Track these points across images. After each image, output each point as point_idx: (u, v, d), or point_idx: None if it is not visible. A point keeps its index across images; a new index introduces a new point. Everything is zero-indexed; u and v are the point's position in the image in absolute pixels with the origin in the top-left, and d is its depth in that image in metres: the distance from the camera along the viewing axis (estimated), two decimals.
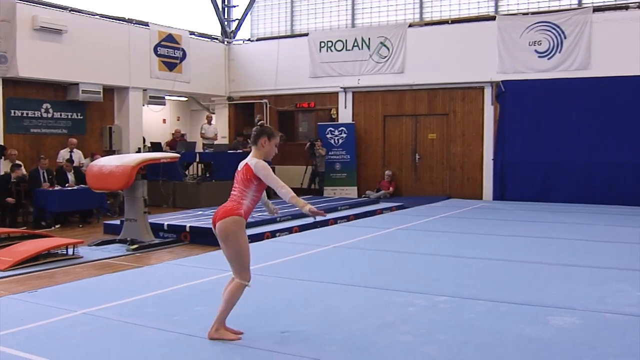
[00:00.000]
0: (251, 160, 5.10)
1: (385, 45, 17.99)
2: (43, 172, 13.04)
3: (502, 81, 16.47)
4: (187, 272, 7.90)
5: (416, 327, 5.42)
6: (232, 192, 5.15)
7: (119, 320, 5.65)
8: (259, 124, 5.41)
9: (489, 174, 16.94)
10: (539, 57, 16.06)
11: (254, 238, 10.28)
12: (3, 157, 13.76)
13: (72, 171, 13.69)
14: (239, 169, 5.16)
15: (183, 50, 18.62)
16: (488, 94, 16.85)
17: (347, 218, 13.14)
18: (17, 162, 13.33)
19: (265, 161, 5.13)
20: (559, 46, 15.81)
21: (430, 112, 17.78)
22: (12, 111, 14.79)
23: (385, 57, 18.00)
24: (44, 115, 15.56)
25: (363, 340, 5.08)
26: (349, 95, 18.66)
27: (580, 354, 4.74)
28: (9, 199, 12.36)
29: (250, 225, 11.04)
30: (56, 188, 12.93)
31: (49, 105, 15.66)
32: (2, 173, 13.31)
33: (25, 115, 15.11)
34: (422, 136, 18.00)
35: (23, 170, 13.04)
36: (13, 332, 5.32)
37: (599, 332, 5.25)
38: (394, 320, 5.64)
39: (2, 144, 14.06)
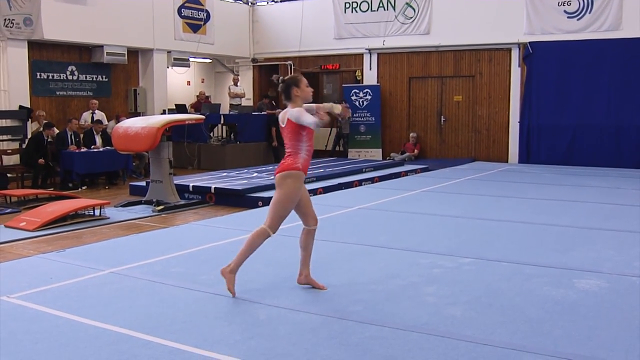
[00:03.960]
0: (289, 111, 5.13)
1: (411, 6, 17.76)
2: (70, 134, 13.14)
3: (529, 42, 16.21)
4: (213, 232, 7.95)
5: (441, 288, 5.42)
6: (286, 150, 5.21)
7: (146, 280, 5.72)
8: (280, 80, 5.38)
9: (514, 136, 16.79)
10: (568, 17, 15.75)
11: None
12: (30, 119, 13.88)
13: (101, 133, 13.78)
14: (282, 125, 5.19)
15: (207, 11, 18.53)
16: (515, 55, 16.62)
17: (372, 180, 13.12)
18: (34, 117, 13.41)
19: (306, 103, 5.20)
20: (589, 6, 15.48)
21: (456, 74, 17.59)
22: (38, 74, 14.88)
23: (411, 18, 17.78)
24: (69, 77, 15.62)
25: (388, 301, 5.10)
26: (374, 57, 18.49)
27: (607, 316, 4.72)
28: (40, 160, 12.48)
29: (274, 187, 11.12)
30: (82, 150, 13.02)
31: (74, 68, 15.72)
32: (29, 135, 13.44)
33: (50, 77, 15.19)
34: (447, 98, 17.85)
35: (55, 130, 13.14)
36: (43, 290, 5.41)
37: (626, 296, 5.21)
38: (419, 281, 5.64)
39: (29, 106, 14.17)
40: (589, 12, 15.50)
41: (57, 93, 15.36)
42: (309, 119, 4.95)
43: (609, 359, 3.94)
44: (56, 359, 3.98)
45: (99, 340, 4.28)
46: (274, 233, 5.19)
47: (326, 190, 11.51)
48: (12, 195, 10.63)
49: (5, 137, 13.74)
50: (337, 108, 5.42)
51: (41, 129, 13.12)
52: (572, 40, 15.71)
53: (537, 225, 8.20)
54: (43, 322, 4.65)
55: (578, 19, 15.65)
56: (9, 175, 12.32)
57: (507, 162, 16.80)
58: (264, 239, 5.19)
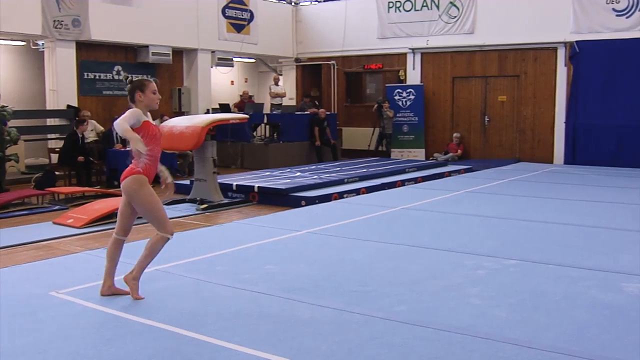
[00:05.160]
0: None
1: (455, 5, 17.63)
2: (116, 133, 13.32)
3: (576, 41, 15.96)
4: (256, 231, 7.99)
5: (485, 290, 5.37)
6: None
7: (190, 277, 5.77)
8: (128, 81, 5.38)
9: (560, 137, 16.56)
10: (617, 15, 15.46)
11: (322, 199, 10.36)
12: (77, 118, 14.11)
13: None
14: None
15: (251, 11, 18.65)
16: (561, 54, 16.38)
17: (415, 180, 13.05)
18: (82, 118, 13.60)
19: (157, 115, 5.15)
20: (639, 4, 15.17)
21: (500, 73, 17.41)
22: (85, 74, 15.13)
23: (455, 17, 17.65)
24: (116, 77, 15.85)
25: (432, 302, 5.07)
26: (417, 57, 18.40)
27: None
28: (80, 158, 12.63)
29: (317, 186, 11.17)
30: (128, 148, 13.17)
31: (120, 68, 15.94)
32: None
33: (97, 77, 15.44)
34: (491, 98, 17.67)
35: (89, 126, 13.28)
36: (90, 286, 5.49)
37: None
38: (463, 282, 5.59)
39: (76, 105, 14.42)
40: (639, 10, 15.19)
41: (104, 93, 15.60)
42: (122, 126, 4.88)
43: None
44: (102, 355, 4.03)
45: (144, 337, 4.34)
46: (171, 234, 5.18)
47: (369, 190, 11.49)
48: (59, 193, 10.82)
49: (53, 135, 14.01)
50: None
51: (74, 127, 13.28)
52: (620, 38, 15.41)
53: (583, 228, 8.07)
54: (90, 318, 4.72)
55: (627, 17, 15.35)
56: (57, 173, 12.52)
57: (552, 162, 16.58)
58: (164, 244, 5.19)
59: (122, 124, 4.87)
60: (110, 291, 5.22)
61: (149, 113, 5.22)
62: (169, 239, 5.16)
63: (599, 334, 4.35)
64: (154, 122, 5.26)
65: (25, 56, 15.81)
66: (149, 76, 16.03)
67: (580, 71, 16.05)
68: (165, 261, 6.33)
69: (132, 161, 5.17)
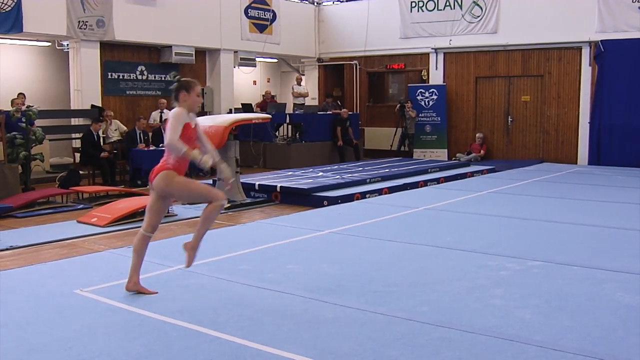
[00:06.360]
0: (171, 112, 5.23)
1: (478, 5, 17.53)
2: (139, 133, 13.40)
3: (601, 41, 15.79)
4: (278, 231, 8.00)
5: (509, 291, 5.34)
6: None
7: (213, 277, 5.80)
8: (176, 79, 5.44)
9: (584, 137, 16.40)
10: None
11: (344, 199, 10.35)
12: (101, 118, 14.22)
13: None
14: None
15: (273, 11, 18.68)
16: (586, 54, 16.22)
17: (437, 180, 12.99)
18: (104, 117, 13.69)
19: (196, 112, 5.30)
20: None
21: (524, 73, 17.29)
22: (109, 74, 15.25)
23: (478, 16, 17.55)
24: (139, 77, 15.96)
25: (455, 302, 5.04)
26: (440, 56, 18.33)
27: None
28: (103, 154, 12.70)
29: (339, 186, 11.16)
30: (151, 148, 13.28)
31: (143, 68, 16.05)
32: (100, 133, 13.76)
33: (121, 77, 15.55)
34: (515, 98, 17.55)
35: (113, 126, 13.35)
36: (113, 285, 5.53)
37: None
38: (486, 283, 5.56)
39: (100, 105, 14.54)
40: None
41: (127, 92, 15.71)
42: (171, 136, 5.03)
43: None
44: (127, 352, 4.06)
45: (167, 335, 4.36)
46: (223, 199, 5.26)
47: (391, 190, 11.46)
48: (84, 192, 10.90)
49: (78, 135, 14.13)
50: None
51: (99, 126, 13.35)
52: None
53: (608, 229, 7.99)
54: (114, 316, 4.76)
55: None
56: (81, 172, 12.63)
57: (576, 163, 16.43)
58: (219, 210, 5.32)
59: (172, 137, 5.03)
60: (135, 287, 5.26)
61: (191, 113, 5.26)
62: (222, 204, 5.26)
63: (625, 337, 4.30)
64: (194, 121, 5.28)
65: (50, 56, 15.97)
66: (184, 77, 16.19)
67: (605, 71, 15.89)
68: None
69: (164, 156, 5.22)
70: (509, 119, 17.60)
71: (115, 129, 14.11)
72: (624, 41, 15.49)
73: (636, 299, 5.11)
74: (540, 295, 5.21)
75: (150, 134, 13.83)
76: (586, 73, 16.29)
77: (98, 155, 12.67)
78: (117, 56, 15.44)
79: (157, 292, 5.28)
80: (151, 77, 16.23)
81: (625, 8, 15.47)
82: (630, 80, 15.52)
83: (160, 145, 13.53)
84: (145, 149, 13.15)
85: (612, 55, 15.71)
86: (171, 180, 5.15)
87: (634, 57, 15.41)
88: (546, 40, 16.56)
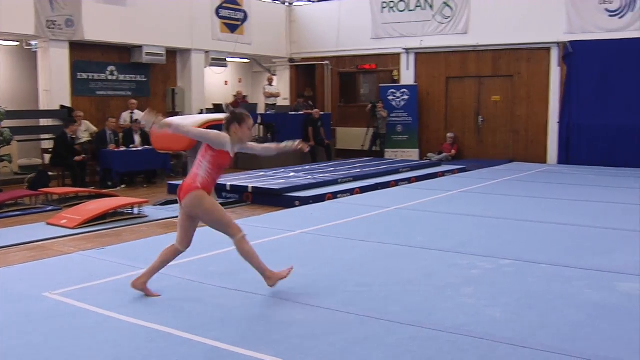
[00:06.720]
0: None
1: (448, 5, 17.65)
2: (110, 134, 13.29)
3: (569, 41, 15.99)
4: (250, 232, 7.87)
5: (479, 289, 5.38)
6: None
7: (184, 278, 5.77)
8: (229, 110, 5.38)
9: (554, 137, 16.59)
10: (610, 16, 15.50)
11: (316, 199, 10.36)
12: (74, 120, 14.07)
13: (139, 131, 13.90)
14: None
15: (245, 12, 18.63)
16: (555, 54, 16.41)
17: (409, 180, 13.05)
18: (74, 118, 13.56)
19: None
20: (632, 4, 15.20)
21: (494, 73, 17.44)
22: (79, 74, 15.09)
23: (449, 17, 17.67)
24: (109, 77, 15.82)
25: (426, 302, 5.07)
26: (411, 57, 18.42)
27: None
28: (77, 158, 12.57)
29: (311, 186, 11.17)
30: (121, 149, 13.18)
31: (113, 68, 15.91)
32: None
33: (91, 77, 15.39)
34: (485, 98, 17.69)
35: (82, 127, 13.24)
36: (83, 287, 5.49)
37: None
38: (457, 282, 5.60)
39: (70, 105, 14.39)
40: (631, 10, 15.23)
41: (97, 93, 15.56)
42: (195, 130, 5.31)
43: None
44: (97, 356, 4.03)
45: (138, 337, 4.33)
46: (243, 232, 5.26)
47: (363, 190, 11.49)
48: (53, 194, 10.79)
49: (46, 136, 13.97)
50: (290, 145, 5.51)
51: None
52: (613, 39, 15.44)
53: (577, 227, 8.09)
54: (84, 319, 4.71)
55: (620, 17, 15.39)
56: (50, 174, 12.49)
57: (545, 162, 16.61)
58: (247, 242, 5.28)
59: (197, 129, 5.29)
60: (141, 287, 5.25)
61: (237, 145, 5.26)
62: (244, 236, 5.25)
63: (593, 333, 4.36)
64: (234, 152, 5.25)
65: (19, 56, 15.78)
66: (144, 77, 16.09)
67: (573, 71, 16.08)
68: None
69: (193, 169, 5.21)
70: (480, 119, 17.74)
71: (85, 130, 13.98)
72: (591, 42, 15.70)
73: (602, 295, 5.18)
74: (511, 294, 5.26)
75: (120, 134, 13.72)
76: (555, 73, 16.47)
77: (72, 158, 12.52)
78: (86, 56, 15.28)
79: (160, 295, 5.25)
80: (122, 77, 16.10)
81: (593, 10, 15.68)
82: (598, 80, 15.73)
83: (131, 146, 13.45)
84: (116, 149, 13.05)
85: (580, 56, 15.91)
86: (199, 203, 5.12)
87: (601, 58, 15.62)
88: (516, 40, 16.72)
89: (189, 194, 5.13)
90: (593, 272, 5.89)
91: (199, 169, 5.14)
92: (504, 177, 13.42)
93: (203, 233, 8.05)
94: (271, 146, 5.79)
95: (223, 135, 5.12)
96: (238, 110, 5.37)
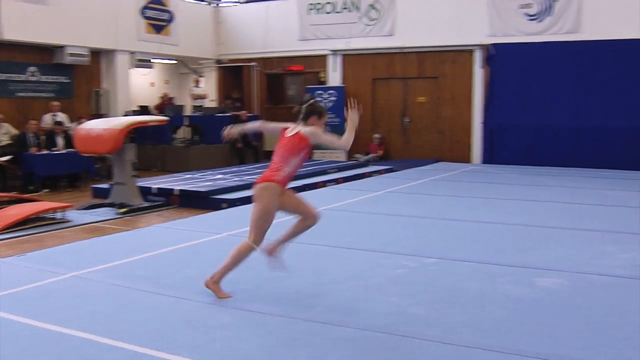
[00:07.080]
0: (305, 129, 5.40)
1: (374, 8, 17.83)
2: (31, 136, 12.94)
3: (492, 44, 16.38)
4: (176, 235, 7.90)
5: (404, 288, 5.46)
6: (272, 161, 5.37)
7: (109, 283, 5.67)
8: (310, 101, 5.72)
9: (477, 137, 16.94)
10: (529, 19, 15.95)
11: (243, 201, 10.29)
12: None
13: (62, 134, 13.58)
14: (287, 135, 5.45)
15: (170, 12, 18.39)
16: (478, 57, 16.75)
17: (336, 181, 13.14)
18: None
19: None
20: (550, 9, 15.70)
21: (420, 75, 17.69)
22: None
23: (375, 19, 17.85)
24: (30, 78, 15.37)
25: (352, 302, 5.12)
26: (339, 58, 18.52)
27: (566, 314, 4.79)
28: (1, 160, 12.21)
29: (239, 188, 11.10)
30: (44, 152, 12.85)
31: (35, 69, 15.47)
32: None
33: (10, 79, 14.92)
34: (411, 99, 17.94)
35: (2, 129, 12.88)
36: (3, 295, 5.33)
37: (585, 293, 5.31)
38: (383, 281, 5.68)
39: None
40: (550, 15, 15.71)
41: (17, 94, 15.09)
42: (320, 136, 5.42)
43: (569, 356, 4.00)
44: None
45: (60, 345, 4.24)
46: (257, 247, 5.20)
47: None
48: None
49: None
50: (354, 119, 5.54)
51: None
52: (533, 42, 15.91)
53: (499, 225, 8.29)
54: (3, 327, 4.58)
55: (539, 21, 15.86)
56: None
57: (470, 162, 16.94)
58: (249, 253, 5.22)
59: (321, 134, 5.41)
60: (214, 287, 5.21)
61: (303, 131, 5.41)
62: (254, 249, 5.17)
63: (514, 328, 4.49)
64: (293, 134, 5.42)
65: None
66: (67, 78, 15.71)
67: (496, 73, 16.48)
68: (83, 267, 6.21)
69: (275, 164, 5.28)
70: (406, 120, 17.97)
71: (4, 133, 13.56)
72: (512, 45, 16.11)
73: (522, 290, 5.34)
74: (435, 292, 5.36)
75: (42, 137, 13.37)
76: (478, 75, 16.82)
77: None
78: (5, 56, 14.80)
79: (231, 296, 5.20)
80: (43, 78, 15.67)
81: (514, 14, 16.10)
82: (519, 82, 16.15)
83: (53, 149, 13.13)
84: (38, 152, 12.72)
85: (502, 58, 16.30)
86: (270, 194, 5.15)
87: (522, 60, 16.06)
88: (440, 42, 16.99)
89: (264, 183, 5.18)
90: (514, 269, 6.05)
91: (287, 165, 5.24)
92: (430, 177, 13.64)
93: (129, 236, 7.96)
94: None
95: (315, 128, 5.35)
96: (319, 104, 5.60)
